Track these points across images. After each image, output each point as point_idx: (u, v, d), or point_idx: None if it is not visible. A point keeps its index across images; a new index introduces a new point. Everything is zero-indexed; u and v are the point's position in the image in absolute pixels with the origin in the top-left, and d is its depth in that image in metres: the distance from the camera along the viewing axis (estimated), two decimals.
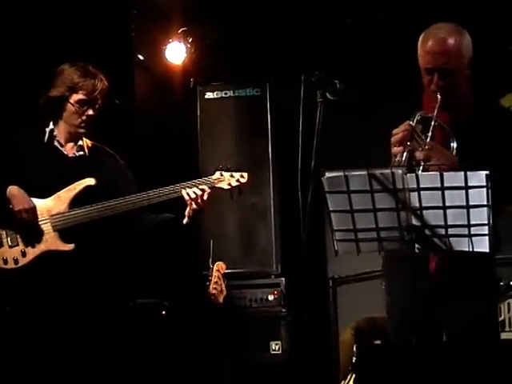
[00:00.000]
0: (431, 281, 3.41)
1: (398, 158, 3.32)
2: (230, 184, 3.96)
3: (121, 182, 4.01)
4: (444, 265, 3.40)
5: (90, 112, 3.94)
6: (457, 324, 3.47)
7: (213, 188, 3.94)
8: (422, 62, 3.50)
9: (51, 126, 4.00)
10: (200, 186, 3.89)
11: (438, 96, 3.40)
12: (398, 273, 3.54)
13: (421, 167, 3.28)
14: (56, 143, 3.99)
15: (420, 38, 3.52)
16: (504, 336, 5.01)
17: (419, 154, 3.31)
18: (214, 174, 3.97)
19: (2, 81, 5.05)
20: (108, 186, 3.94)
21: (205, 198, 3.88)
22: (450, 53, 3.42)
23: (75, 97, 3.93)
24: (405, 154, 3.32)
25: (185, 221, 3.93)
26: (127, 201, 3.88)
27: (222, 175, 3.96)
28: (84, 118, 3.94)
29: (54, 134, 3.99)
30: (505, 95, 5.18)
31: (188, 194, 3.88)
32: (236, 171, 3.98)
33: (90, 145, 4.06)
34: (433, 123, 3.36)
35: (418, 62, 3.52)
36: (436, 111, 3.38)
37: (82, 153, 4.01)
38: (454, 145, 3.38)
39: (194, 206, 3.87)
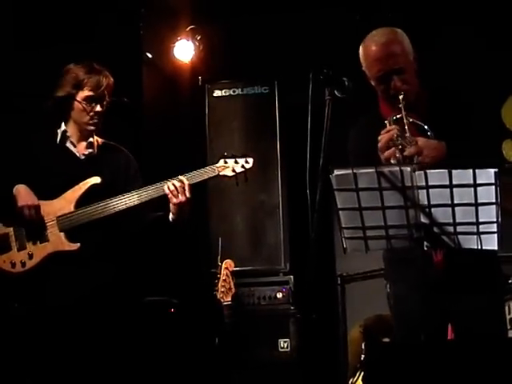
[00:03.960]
0: (438, 277, 3.40)
1: (393, 161, 3.34)
2: (234, 170, 3.92)
3: (130, 180, 4.01)
4: (450, 258, 3.39)
5: (98, 108, 3.94)
6: (464, 319, 3.48)
7: (217, 176, 3.91)
8: (372, 72, 3.55)
9: (63, 127, 4.01)
10: (180, 177, 3.86)
11: (400, 97, 3.44)
12: (403, 274, 3.55)
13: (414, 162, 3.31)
14: (69, 144, 4.00)
15: (361, 52, 3.59)
16: None
17: (410, 150, 3.34)
18: (218, 162, 3.94)
19: (15, 81, 5.06)
20: (117, 184, 3.94)
21: (186, 190, 3.83)
22: (397, 53, 3.50)
23: (81, 94, 3.93)
24: (397, 154, 3.34)
25: (170, 217, 3.89)
26: (117, 200, 3.86)
27: (226, 162, 3.92)
28: (92, 114, 3.94)
29: (68, 134, 4.00)
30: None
31: (168, 188, 3.84)
32: (241, 157, 3.95)
33: (100, 143, 4.07)
34: (405, 121, 3.39)
35: (367, 75, 3.57)
36: (404, 111, 3.41)
37: (91, 150, 4.01)
38: (431, 134, 3.41)
39: (174, 200, 3.83)
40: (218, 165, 3.93)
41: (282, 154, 5.58)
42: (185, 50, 6.06)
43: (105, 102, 3.96)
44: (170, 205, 3.86)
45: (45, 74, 4.83)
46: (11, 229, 3.88)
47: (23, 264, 3.83)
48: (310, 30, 5.88)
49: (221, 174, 3.91)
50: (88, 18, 5.47)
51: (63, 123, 4.02)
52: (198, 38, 6.00)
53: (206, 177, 3.92)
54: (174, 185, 3.83)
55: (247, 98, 5.71)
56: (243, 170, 3.93)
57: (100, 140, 4.08)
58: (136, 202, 3.86)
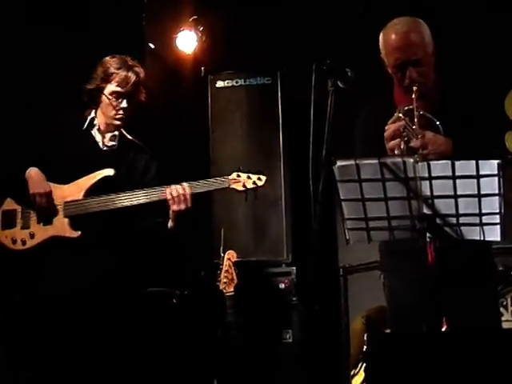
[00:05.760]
0: (430, 272, 3.40)
1: (397, 151, 3.35)
2: (244, 185, 3.89)
3: (146, 184, 3.96)
4: (441, 256, 3.39)
5: (124, 104, 3.95)
6: (458, 314, 3.49)
7: (227, 189, 3.89)
8: (390, 60, 3.55)
9: (93, 114, 4.03)
10: (184, 185, 3.84)
11: (414, 88, 3.45)
12: (398, 266, 3.55)
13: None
14: (95, 132, 4.01)
15: (381, 39, 3.58)
16: None
17: (416, 143, 3.36)
18: (230, 174, 3.91)
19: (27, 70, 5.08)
20: (132, 183, 3.93)
21: (188, 200, 3.82)
22: (416, 43, 3.50)
23: (109, 88, 3.94)
24: (402, 145, 3.34)
25: (169, 224, 3.91)
26: (123, 196, 3.86)
27: (238, 176, 3.90)
28: (118, 109, 3.95)
29: (95, 122, 4.01)
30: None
31: (171, 193, 3.83)
32: (254, 173, 3.92)
33: (126, 139, 4.07)
34: (416, 113, 3.40)
35: (385, 63, 3.57)
36: (415, 102, 3.41)
37: (113, 143, 4.01)
38: (440, 128, 3.42)
39: (174, 207, 3.81)
40: (230, 177, 3.90)
41: (285, 145, 5.57)
42: (187, 41, 6.05)
43: (133, 99, 3.96)
44: (170, 211, 3.86)
45: (49, 61, 4.84)
46: (20, 207, 3.93)
47: (23, 242, 3.88)
48: (313, 20, 5.86)
49: (231, 186, 3.90)
50: (91, 8, 5.46)
51: (93, 111, 4.04)
52: (201, 28, 5.99)
53: (214, 187, 3.92)
54: (176, 191, 3.82)
55: (250, 89, 5.70)
56: (254, 186, 3.90)
57: (128, 136, 4.08)
58: (140, 202, 3.85)
